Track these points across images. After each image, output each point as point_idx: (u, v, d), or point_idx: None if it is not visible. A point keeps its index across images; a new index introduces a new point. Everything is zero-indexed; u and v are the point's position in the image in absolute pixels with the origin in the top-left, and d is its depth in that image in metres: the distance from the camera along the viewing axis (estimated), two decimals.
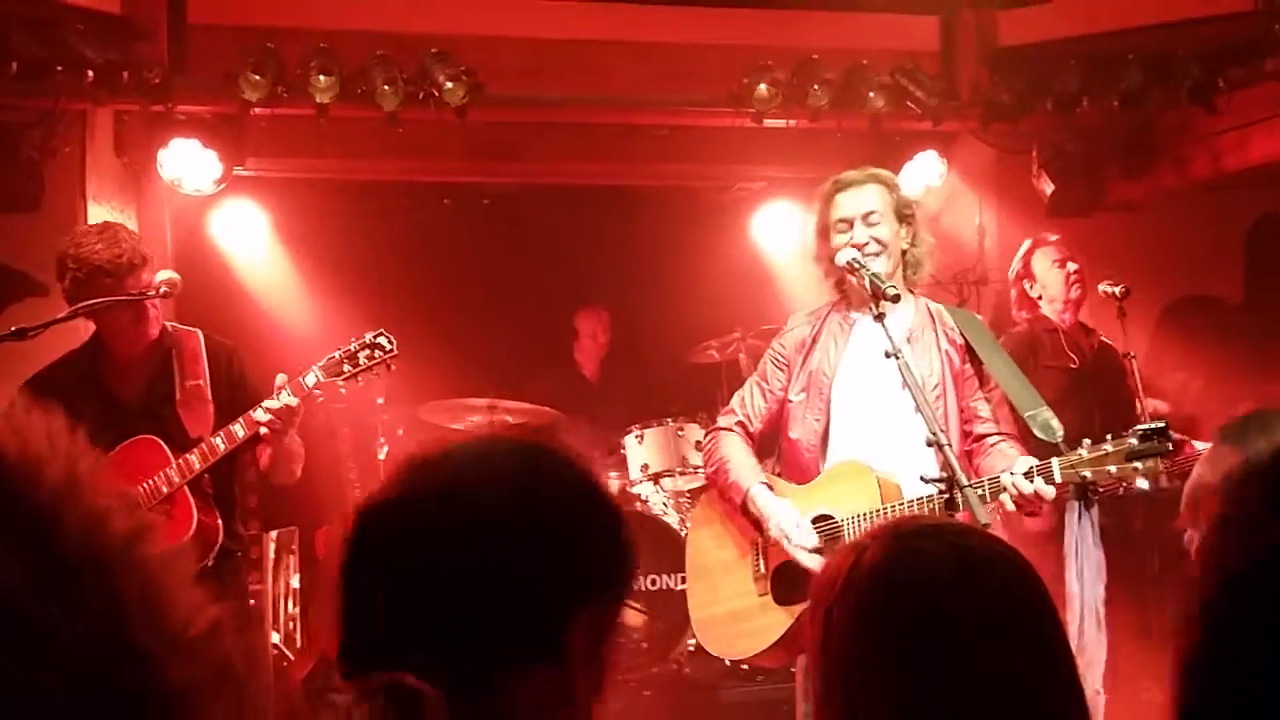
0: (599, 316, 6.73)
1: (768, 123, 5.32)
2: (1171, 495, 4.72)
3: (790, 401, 3.52)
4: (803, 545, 3.33)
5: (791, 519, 3.37)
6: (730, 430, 3.59)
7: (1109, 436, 3.01)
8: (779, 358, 3.58)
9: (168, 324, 3.68)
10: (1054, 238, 5.06)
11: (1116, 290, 4.76)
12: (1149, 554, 4.86)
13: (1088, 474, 3.00)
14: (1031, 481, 3.06)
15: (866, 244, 3.40)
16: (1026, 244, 5.08)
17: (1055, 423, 3.23)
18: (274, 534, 5.41)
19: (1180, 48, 5.26)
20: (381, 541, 1.13)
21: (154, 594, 0.56)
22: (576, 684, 1.12)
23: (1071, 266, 4.92)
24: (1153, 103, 5.38)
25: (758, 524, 3.47)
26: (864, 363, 3.44)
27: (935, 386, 3.42)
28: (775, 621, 3.41)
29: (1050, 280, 4.95)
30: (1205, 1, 5.33)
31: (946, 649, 1.23)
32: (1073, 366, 4.88)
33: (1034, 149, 5.72)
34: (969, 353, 3.49)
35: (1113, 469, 2.97)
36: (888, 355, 3.15)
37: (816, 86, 5.21)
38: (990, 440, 3.43)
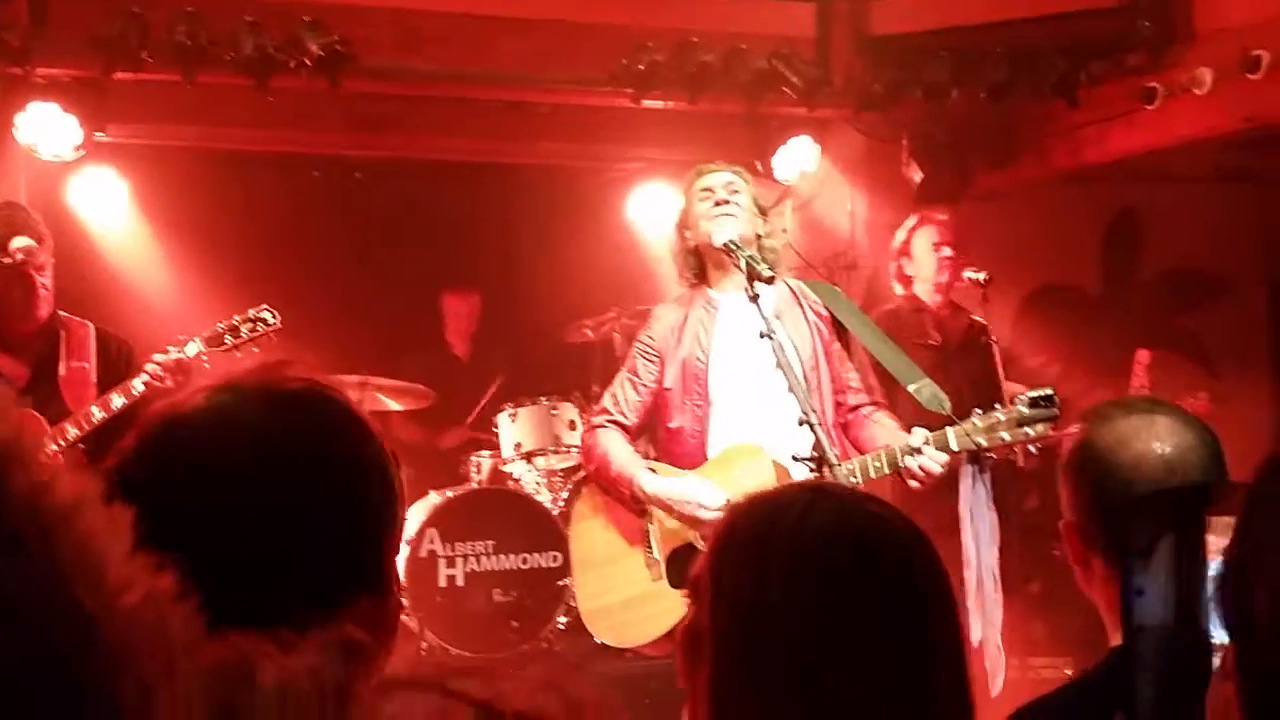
0: (466, 299, 6.66)
1: (646, 103, 5.32)
2: (1027, 474, 4.91)
3: (667, 390, 3.55)
4: (718, 507, 3.34)
5: (693, 487, 3.39)
6: (605, 427, 3.60)
7: (997, 406, 3.22)
8: (648, 349, 3.60)
9: (60, 312, 3.73)
10: (942, 217, 5.16)
11: (980, 277, 4.91)
12: (1006, 533, 5.02)
13: (982, 441, 3.19)
14: (920, 455, 3.22)
15: (727, 202, 3.53)
16: (912, 220, 5.17)
17: (941, 394, 3.39)
18: None
19: (1046, 42, 5.41)
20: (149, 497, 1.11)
21: (93, 559, 0.58)
22: (393, 609, 1.14)
23: (946, 252, 5.04)
24: (1018, 95, 5.52)
25: (645, 511, 3.49)
26: (737, 343, 3.50)
27: (809, 359, 3.49)
28: (672, 605, 3.41)
29: (925, 262, 5.07)
30: None
31: (910, 614, 1.21)
32: (933, 344, 5.01)
33: (904, 137, 5.83)
34: (835, 324, 3.58)
35: (1006, 435, 3.17)
36: (762, 336, 3.21)
37: (695, 68, 5.23)
38: (864, 411, 3.55)
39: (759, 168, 5.88)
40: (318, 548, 1.08)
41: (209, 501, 1.08)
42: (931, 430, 3.26)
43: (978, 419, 3.20)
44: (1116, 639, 1.68)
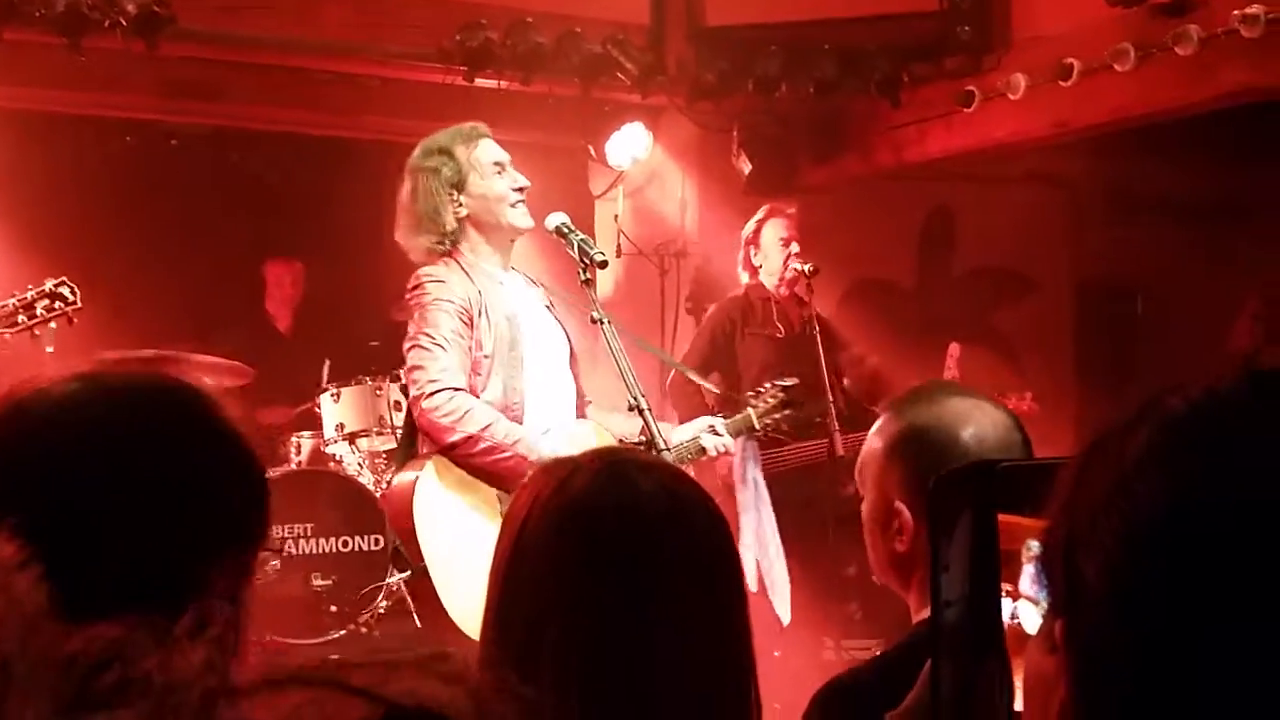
0: (289, 266, 6.49)
1: (479, 82, 5.27)
2: (846, 464, 5.05)
3: (485, 358, 3.35)
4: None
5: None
6: (465, 391, 3.27)
7: (757, 393, 3.74)
8: (462, 311, 3.32)
9: None
10: (791, 211, 5.27)
11: (806, 269, 5.03)
12: (825, 520, 5.16)
13: (770, 421, 3.64)
14: (721, 437, 3.49)
15: (525, 188, 3.47)
16: (763, 210, 5.28)
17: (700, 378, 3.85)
18: None
19: (871, 42, 5.56)
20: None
21: None
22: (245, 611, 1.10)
23: (794, 248, 5.16)
24: (845, 92, 5.66)
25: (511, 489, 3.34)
26: (531, 319, 3.49)
27: (567, 340, 3.53)
28: None
29: (772, 254, 5.20)
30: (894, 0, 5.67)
31: (652, 582, 1.24)
32: (778, 336, 5.15)
33: (735, 129, 5.91)
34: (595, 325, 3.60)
35: (776, 416, 3.69)
36: (594, 321, 3.23)
37: (529, 48, 5.20)
38: (586, 400, 3.60)
39: (592, 152, 5.89)
40: (171, 543, 1.04)
41: (54, 492, 1.03)
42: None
43: (759, 403, 3.66)
44: (919, 614, 1.74)
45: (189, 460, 1.10)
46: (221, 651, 0.62)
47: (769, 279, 5.20)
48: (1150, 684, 0.63)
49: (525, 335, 3.43)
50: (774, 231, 5.19)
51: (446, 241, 3.42)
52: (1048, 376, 6.59)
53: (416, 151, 3.52)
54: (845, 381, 5.32)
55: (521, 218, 3.46)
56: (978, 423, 1.78)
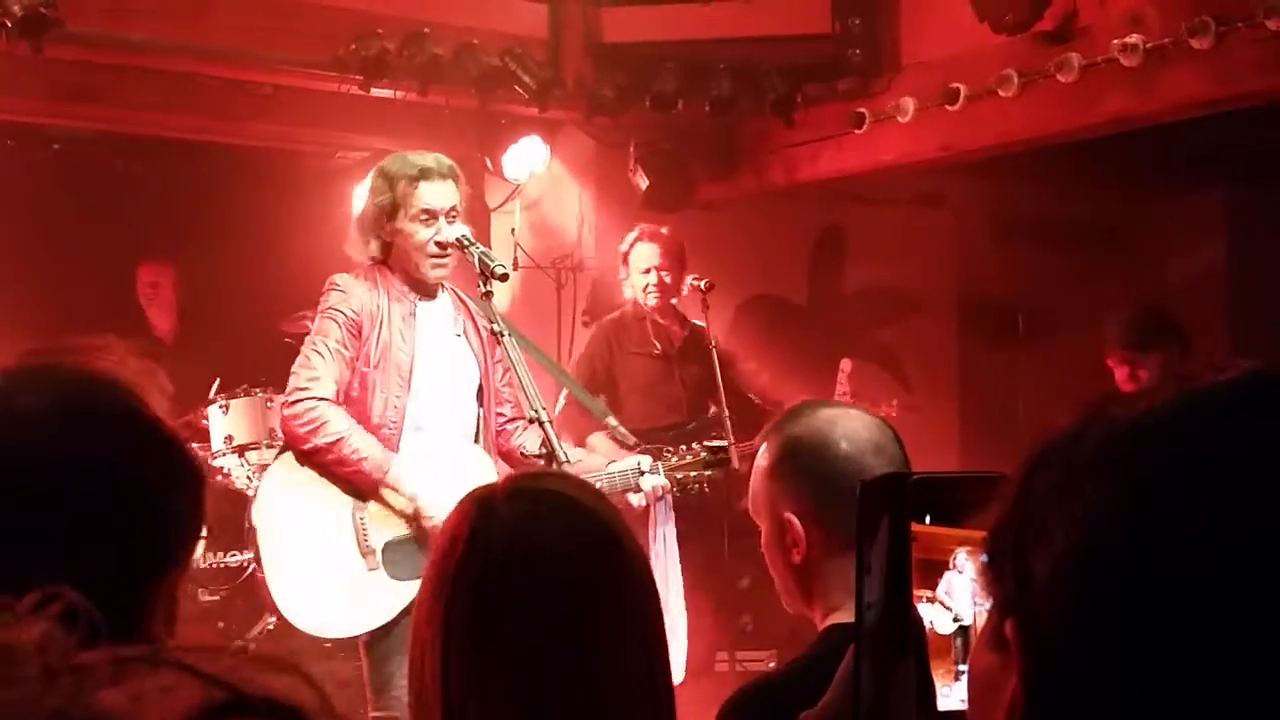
0: (161, 269, 6.34)
1: (375, 91, 5.23)
2: (742, 475, 5.12)
3: (365, 372, 3.43)
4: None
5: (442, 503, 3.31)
6: (330, 402, 3.39)
7: (683, 447, 3.73)
8: (352, 323, 3.43)
9: None
10: (664, 231, 5.25)
11: (702, 284, 5.07)
12: (720, 533, 5.21)
13: (680, 476, 3.63)
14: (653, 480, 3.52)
15: (448, 244, 3.46)
16: (636, 231, 5.27)
17: (624, 429, 3.80)
18: None
19: (766, 62, 5.65)
20: None
21: None
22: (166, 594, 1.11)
23: (653, 277, 5.13)
24: (740, 111, 5.74)
25: (363, 498, 3.39)
26: (435, 345, 3.52)
27: (478, 370, 3.55)
28: (388, 598, 3.34)
29: (636, 281, 5.18)
30: (788, 21, 5.76)
31: (581, 613, 1.25)
32: (655, 353, 5.16)
33: (631, 144, 5.96)
34: (495, 338, 3.57)
35: (694, 473, 3.69)
36: (495, 334, 3.25)
37: (426, 59, 5.18)
38: (513, 427, 3.62)
39: (489, 165, 5.88)
40: (84, 523, 1.02)
41: None
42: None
43: (675, 458, 3.64)
44: (824, 622, 1.78)
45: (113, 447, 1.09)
46: (67, 630, 0.61)
47: (638, 297, 5.22)
48: (1098, 676, 0.66)
49: (421, 360, 3.47)
50: (639, 256, 5.18)
51: (378, 252, 3.55)
52: (932, 390, 6.76)
53: (385, 159, 3.62)
54: (751, 395, 5.35)
55: (431, 270, 3.48)
56: (847, 427, 1.86)
